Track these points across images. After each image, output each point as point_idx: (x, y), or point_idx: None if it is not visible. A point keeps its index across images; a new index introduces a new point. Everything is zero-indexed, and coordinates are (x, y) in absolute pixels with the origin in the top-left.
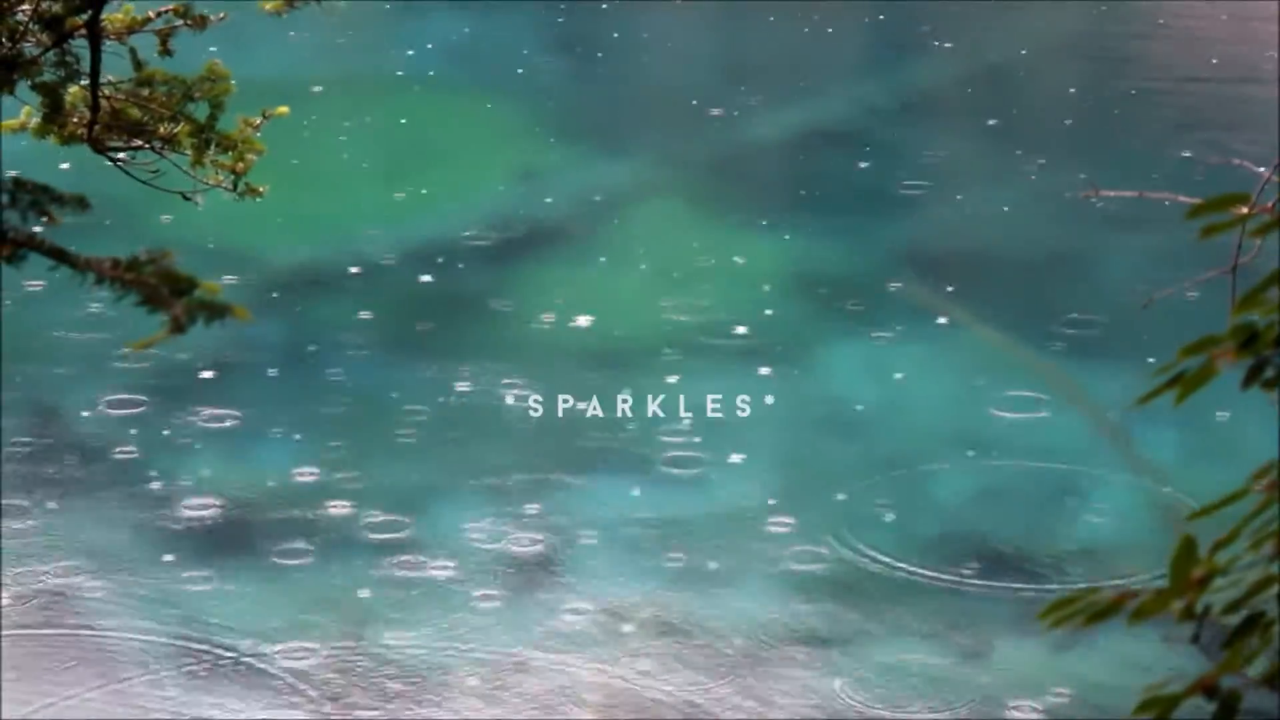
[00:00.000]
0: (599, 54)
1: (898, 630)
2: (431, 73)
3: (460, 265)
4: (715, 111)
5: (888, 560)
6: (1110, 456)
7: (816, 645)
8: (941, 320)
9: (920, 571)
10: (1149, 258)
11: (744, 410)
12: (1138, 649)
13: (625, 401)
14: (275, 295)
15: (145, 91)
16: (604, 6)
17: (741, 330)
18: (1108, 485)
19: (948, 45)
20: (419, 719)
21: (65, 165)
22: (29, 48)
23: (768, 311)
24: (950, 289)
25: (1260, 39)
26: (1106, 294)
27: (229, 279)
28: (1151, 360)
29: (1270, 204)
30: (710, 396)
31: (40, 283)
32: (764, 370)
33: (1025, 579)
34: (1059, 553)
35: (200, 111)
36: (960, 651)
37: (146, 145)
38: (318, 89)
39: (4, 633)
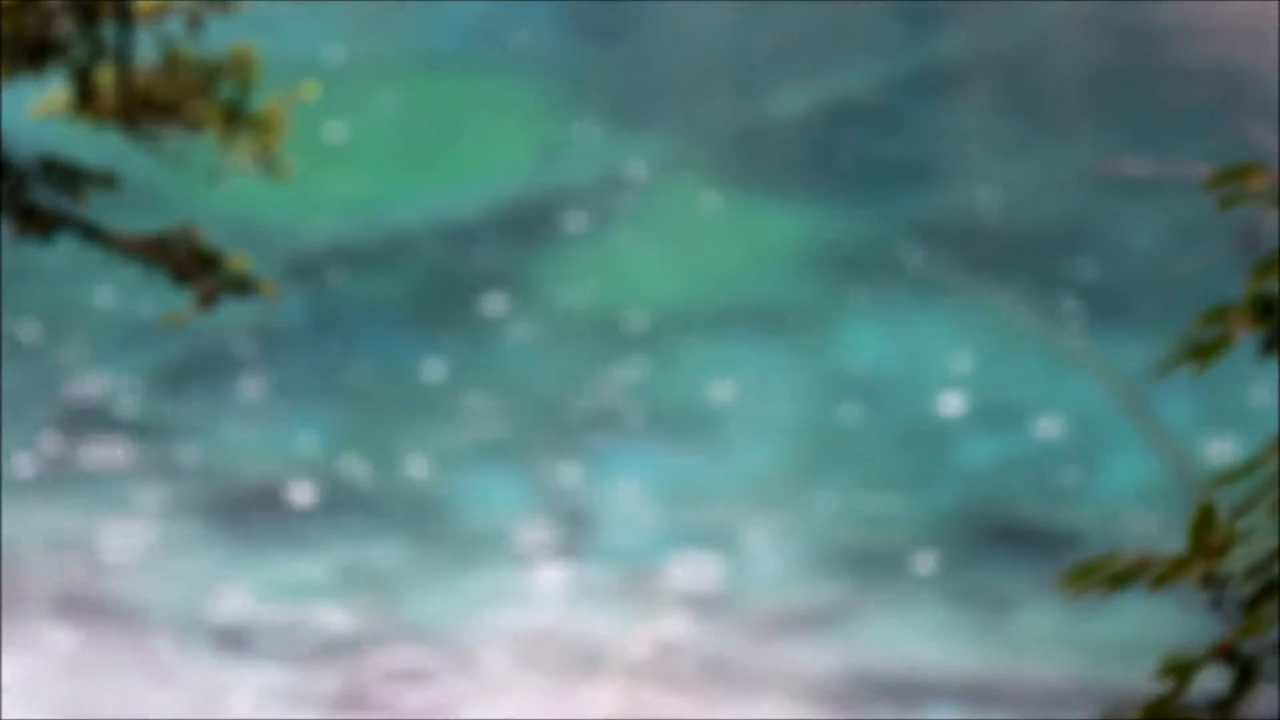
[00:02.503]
0: (622, 30)
1: (919, 595)
2: (456, 50)
3: (484, 240)
4: (737, 86)
5: (908, 527)
6: (1129, 425)
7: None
8: (961, 291)
9: (944, 539)
10: (1170, 228)
11: (765, 380)
12: (1156, 615)
13: (648, 371)
14: (301, 271)
15: (174, 73)
16: None
17: (763, 302)
18: (1126, 453)
19: (970, 18)
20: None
21: (90, 146)
22: (60, 30)
23: (788, 283)
24: (970, 260)
25: None
26: (1126, 264)
27: (255, 256)
28: (1170, 332)
29: None
30: (732, 367)
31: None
32: (785, 340)
33: (1044, 546)
34: (1078, 520)
35: (228, 92)
36: (980, 616)
37: (175, 125)
38: (343, 68)
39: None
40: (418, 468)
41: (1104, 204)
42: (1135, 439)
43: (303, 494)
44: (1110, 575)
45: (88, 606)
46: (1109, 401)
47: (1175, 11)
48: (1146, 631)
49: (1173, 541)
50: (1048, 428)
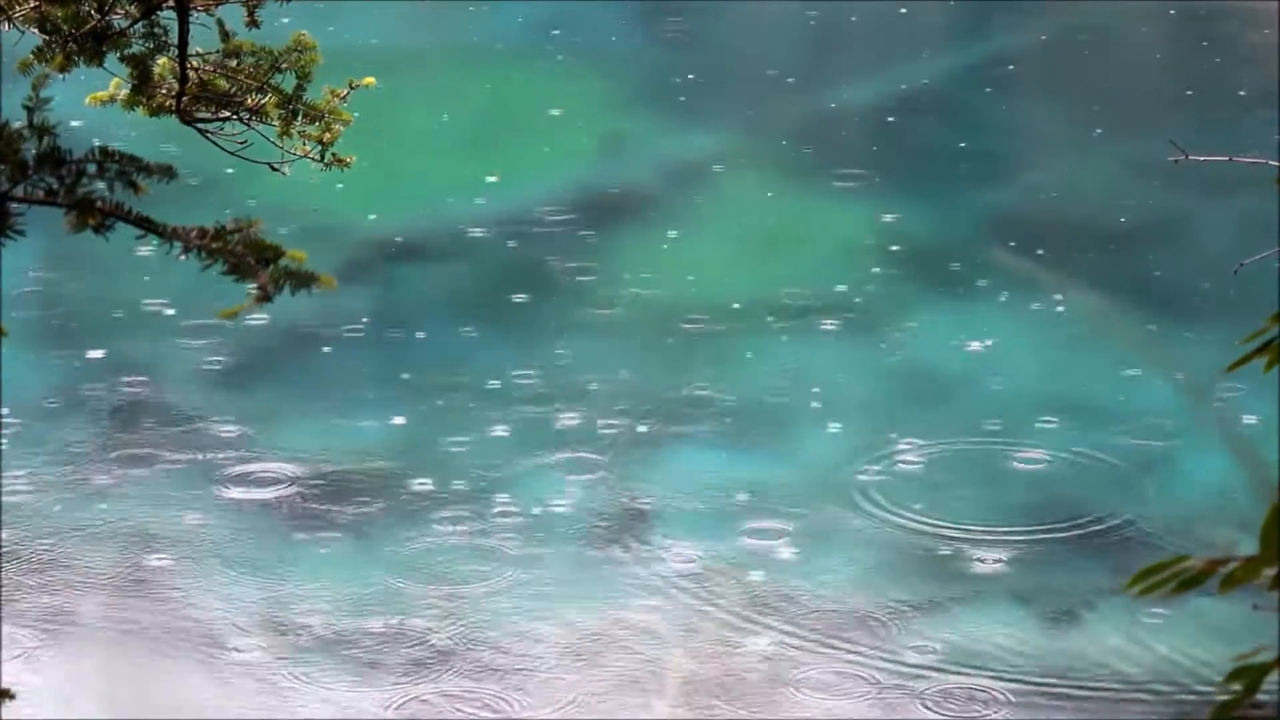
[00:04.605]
0: (687, 23)
1: (986, 596)
2: (515, 42)
3: (549, 235)
4: (802, 79)
5: (978, 527)
6: (1205, 426)
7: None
8: (1033, 288)
9: (1012, 539)
10: (1242, 224)
11: (838, 376)
12: (1226, 617)
13: (715, 366)
14: (362, 264)
15: (233, 63)
16: None
17: (833, 298)
18: (1202, 455)
19: (1038, 8)
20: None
21: (141, 135)
22: (118, 20)
23: (858, 279)
24: (1042, 256)
25: None
26: (1199, 261)
27: (314, 249)
28: (1243, 329)
29: None
30: (800, 364)
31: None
32: (856, 337)
33: (1118, 548)
34: (1148, 519)
35: (287, 82)
36: (1048, 619)
37: (234, 116)
38: (406, 59)
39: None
40: (480, 463)
41: (1176, 198)
42: (1209, 439)
43: (366, 490)
44: (1179, 577)
45: (140, 608)
46: (1182, 401)
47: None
48: (1217, 634)
49: (1246, 545)
50: (1119, 427)
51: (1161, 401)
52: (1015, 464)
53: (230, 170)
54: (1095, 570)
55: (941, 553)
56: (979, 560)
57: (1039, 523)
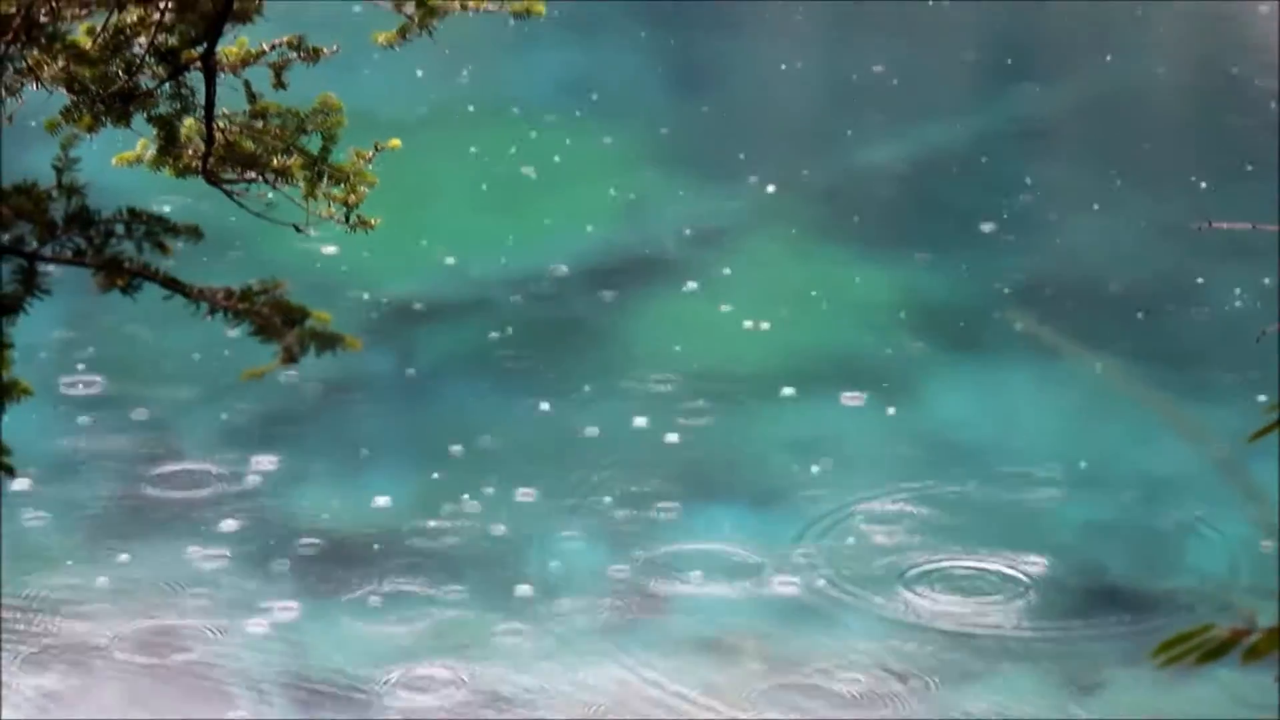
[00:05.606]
0: (711, 82)
1: (1005, 664)
2: (541, 102)
3: (570, 295)
4: (826, 139)
5: (997, 595)
6: (1224, 491)
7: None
8: (1053, 351)
9: (1029, 605)
10: (1263, 290)
11: (858, 440)
12: (1249, 687)
13: (733, 426)
14: (384, 324)
15: (259, 124)
16: (715, 34)
17: (850, 359)
18: (1221, 520)
19: (1062, 71)
20: None
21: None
22: (145, 80)
23: (879, 341)
24: (1061, 320)
25: None
26: (1219, 326)
27: (338, 309)
28: (1263, 397)
29: None
30: (822, 424)
31: None
32: (875, 399)
33: (1136, 613)
34: (1170, 587)
35: (313, 144)
36: (1071, 686)
37: (260, 177)
38: (430, 119)
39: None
40: (503, 521)
41: (1197, 262)
42: (1231, 504)
43: (388, 549)
44: (1203, 647)
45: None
46: (1204, 465)
47: (1269, 61)
48: (1238, 702)
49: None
50: (1140, 491)
51: (1183, 465)
52: (1037, 528)
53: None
54: (1117, 635)
55: (961, 615)
56: (1001, 625)
57: (1061, 586)
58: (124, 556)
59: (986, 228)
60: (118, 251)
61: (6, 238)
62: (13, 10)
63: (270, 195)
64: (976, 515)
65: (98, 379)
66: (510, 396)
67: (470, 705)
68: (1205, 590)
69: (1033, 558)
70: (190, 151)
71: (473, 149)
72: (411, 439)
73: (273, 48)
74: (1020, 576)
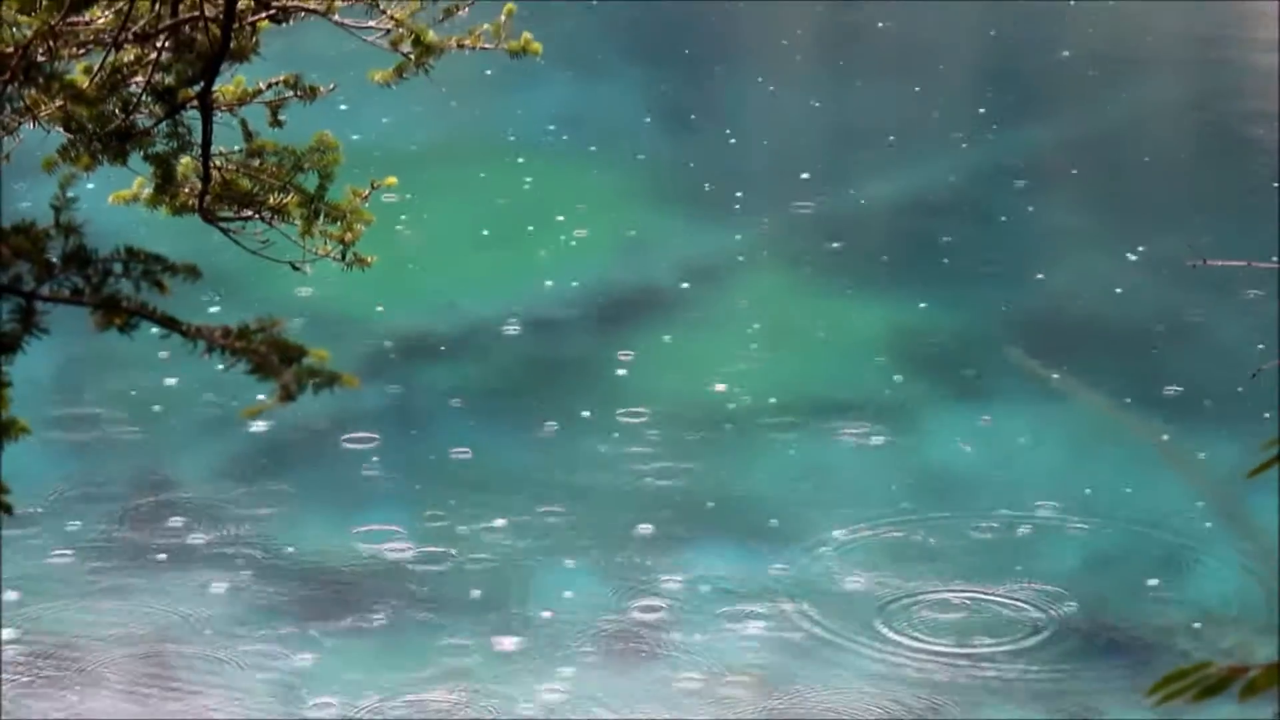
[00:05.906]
0: (705, 120)
1: (999, 702)
2: (538, 140)
3: (566, 330)
4: (821, 178)
5: (992, 627)
6: (1222, 527)
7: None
8: (1051, 388)
9: (1026, 642)
10: (1259, 326)
11: (852, 477)
12: None
13: (733, 463)
14: (382, 361)
15: (256, 162)
16: (713, 71)
17: (849, 398)
18: (1218, 555)
19: (1061, 109)
20: None
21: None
22: (142, 119)
23: (875, 379)
24: (1059, 357)
25: None
26: (1216, 362)
27: (335, 347)
28: (1261, 432)
29: None
30: (817, 459)
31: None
32: (872, 438)
33: (1133, 650)
34: (1167, 624)
35: (310, 182)
36: None
37: (256, 215)
38: (426, 156)
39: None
40: (495, 554)
41: (1196, 299)
42: (1228, 540)
43: (382, 582)
44: (1201, 684)
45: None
46: (1201, 502)
47: (1268, 97)
48: None
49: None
50: (1137, 528)
51: (1180, 502)
52: (1033, 564)
53: (251, 269)
54: (1113, 673)
55: (956, 653)
56: (995, 662)
57: (1057, 625)
58: (122, 588)
59: (982, 264)
60: (115, 290)
61: (5, 277)
62: (10, 49)
63: (266, 233)
64: (970, 550)
65: (98, 411)
66: (504, 432)
67: None
68: (1202, 626)
69: (1028, 592)
70: (187, 190)
71: (471, 185)
72: (409, 473)
73: (269, 86)
74: (1015, 614)
